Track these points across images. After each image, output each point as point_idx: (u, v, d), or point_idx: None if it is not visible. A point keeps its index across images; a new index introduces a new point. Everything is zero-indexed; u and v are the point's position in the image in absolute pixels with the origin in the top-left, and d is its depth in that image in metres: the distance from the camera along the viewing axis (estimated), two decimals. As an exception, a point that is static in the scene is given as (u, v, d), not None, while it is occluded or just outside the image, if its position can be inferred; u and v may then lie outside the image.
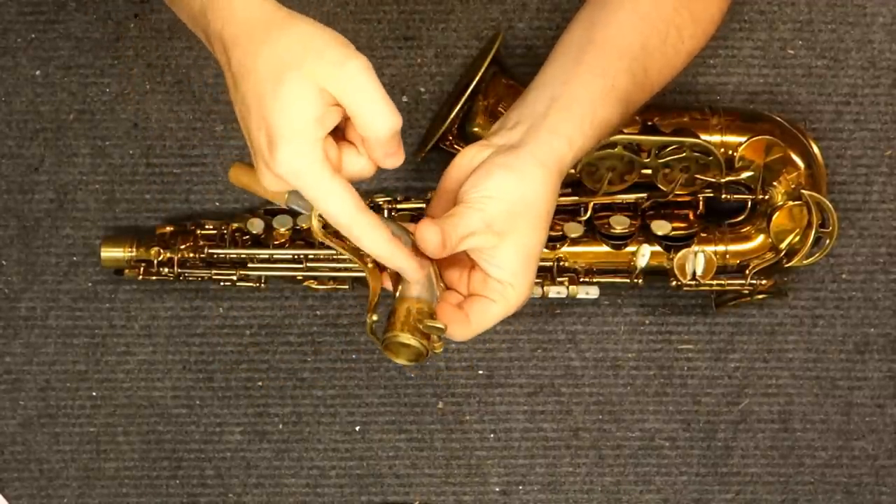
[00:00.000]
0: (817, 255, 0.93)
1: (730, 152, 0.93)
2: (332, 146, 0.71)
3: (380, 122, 0.70)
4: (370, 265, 0.78)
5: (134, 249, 0.96)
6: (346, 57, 0.69)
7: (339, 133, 0.73)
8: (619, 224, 0.93)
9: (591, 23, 0.85)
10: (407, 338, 0.75)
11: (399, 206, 0.95)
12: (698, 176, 0.92)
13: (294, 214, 0.96)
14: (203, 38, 0.76)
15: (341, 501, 1.01)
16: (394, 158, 0.73)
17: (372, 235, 0.72)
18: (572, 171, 0.87)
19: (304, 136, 0.69)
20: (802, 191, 0.92)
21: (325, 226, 0.76)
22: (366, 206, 0.72)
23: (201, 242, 0.96)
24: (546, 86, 0.82)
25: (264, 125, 0.70)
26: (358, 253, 0.78)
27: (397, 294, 0.77)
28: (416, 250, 0.76)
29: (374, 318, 0.76)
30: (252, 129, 0.71)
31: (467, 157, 0.80)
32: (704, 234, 0.94)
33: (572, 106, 0.80)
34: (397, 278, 0.77)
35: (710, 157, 0.92)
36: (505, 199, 0.76)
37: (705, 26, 0.88)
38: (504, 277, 0.77)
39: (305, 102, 0.69)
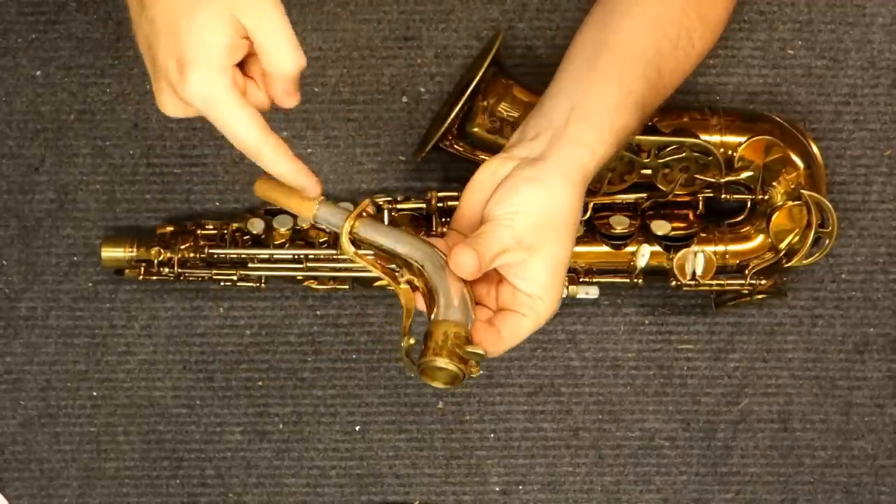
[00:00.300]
0: (817, 255, 0.93)
1: (729, 152, 0.93)
2: (239, 75, 0.73)
3: (286, 59, 0.72)
4: (403, 285, 0.77)
5: (134, 249, 0.96)
6: None
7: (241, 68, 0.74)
8: (619, 224, 0.93)
9: (602, 26, 0.85)
10: (445, 363, 0.73)
11: (399, 206, 0.96)
12: (698, 176, 0.92)
13: (295, 215, 0.96)
14: None
15: (341, 501, 1.01)
16: (291, 98, 0.75)
17: (277, 156, 0.73)
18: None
19: (216, 62, 0.70)
20: (802, 191, 0.92)
21: (355, 242, 0.76)
22: (270, 129, 0.73)
23: (201, 242, 0.96)
24: (563, 94, 0.82)
25: (175, 49, 0.70)
26: (391, 273, 0.77)
27: (432, 316, 0.75)
28: (450, 271, 0.75)
29: (412, 341, 0.75)
30: (160, 53, 0.72)
31: (489, 171, 0.79)
32: (704, 234, 0.94)
33: (591, 115, 0.80)
34: (431, 297, 0.76)
35: (710, 157, 0.92)
36: (533, 214, 0.76)
37: (713, 27, 0.88)
38: (534, 291, 0.76)
39: (220, 30, 0.70)
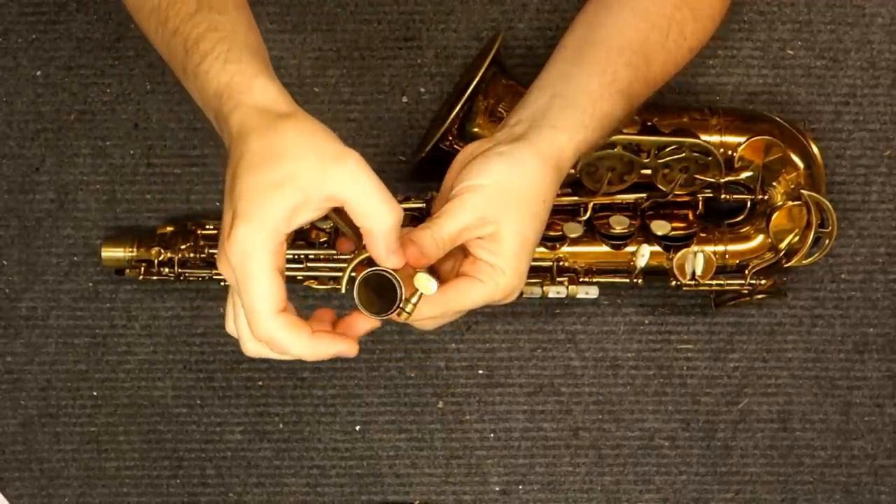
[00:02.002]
0: (816, 255, 0.93)
1: (729, 152, 0.93)
2: (284, 250, 0.70)
3: (381, 215, 0.70)
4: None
5: (134, 249, 0.97)
6: (345, 153, 0.70)
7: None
8: (619, 224, 0.93)
9: (591, 23, 0.86)
10: (392, 275, 0.71)
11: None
12: (698, 176, 0.92)
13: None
14: (212, 119, 0.76)
15: (341, 501, 1.01)
16: (396, 256, 0.72)
17: (290, 339, 0.70)
18: (572, 170, 0.88)
19: (267, 222, 0.69)
20: (802, 191, 0.92)
21: (337, 209, 0.75)
22: (287, 307, 0.71)
23: (202, 242, 0.96)
24: (547, 85, 0.83)
25: (236, 203, 0.70)
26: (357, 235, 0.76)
27: None
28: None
29: (363, 254, 0.73)
30: (226, 205, 0.71)
31: (468, 153, 0.80)
32: (704, 234, 0.94)
33: (572, 101, 0.81)
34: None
35: (710, 158, 0.92)
36: (497, 185, 0.76)
37: (706, 23, 0.88)
38: (496, 262, 0.76)
39: (282, 194, 0.69)
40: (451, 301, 0.76)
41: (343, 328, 0.76)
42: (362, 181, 0.70)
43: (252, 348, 0.74)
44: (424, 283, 0.73)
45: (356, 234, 0.75)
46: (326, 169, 0.69)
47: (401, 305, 0.73)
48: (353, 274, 0.74)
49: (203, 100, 0.76)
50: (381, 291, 0.73)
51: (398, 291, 0.72)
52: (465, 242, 0.77)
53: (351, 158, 0.70)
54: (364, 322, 0.76)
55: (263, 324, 0.70)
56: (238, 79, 0.73)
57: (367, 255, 0.74)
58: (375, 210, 0.70)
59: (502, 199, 0.76)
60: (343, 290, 0.75)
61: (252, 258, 0.68)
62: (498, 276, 0.77)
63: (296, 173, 0.69)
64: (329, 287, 0.97)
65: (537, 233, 0.78)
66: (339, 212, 0.74)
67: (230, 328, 0.75)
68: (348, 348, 0.73)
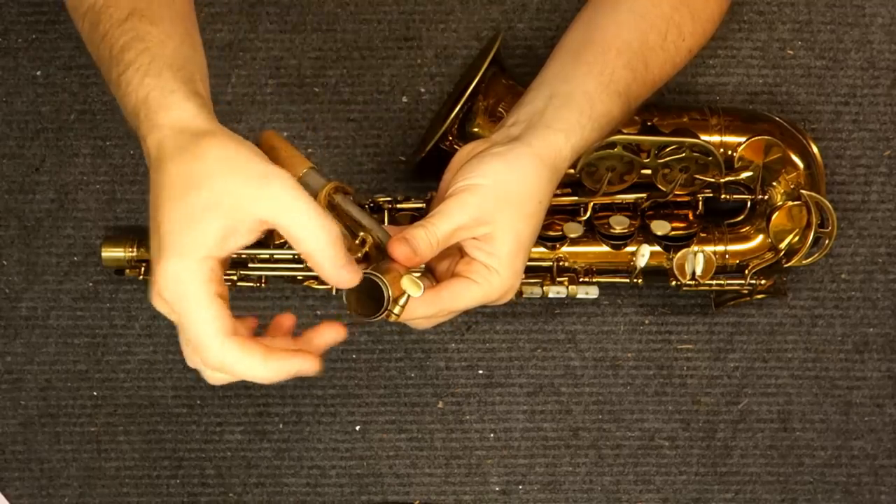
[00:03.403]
0: (816, 255, 0.93)
1: (729, 152, 0.93)
2: (220, 275, 0.67)
3: (315, 236, 0.67)
4: (357, 243, 0.76)
5: (135, 249, 0.97)
6: (271, 174, 0.67)
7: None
8: (619, 224, 0.93)
9: (589, 23, 0.86)
10: (379, 278, 0.70)
11: (399, 206, 0.96)
12: (698, 176, 0.92)
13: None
14: (134, 132, 0.73)
15: (341, 501, 1.01)
16: (345, 270, 0.69)
17: (242, 363, 0.67)
18: (571, 170, 0.88)
19: (196, 253, 0.66)
20: (802, 191, 0.92)
21: (331, 204, 0.75)
22: (236, 330, 0.67)
23: (202, 242, 0.96)
24: (545, 85, 0.83)
25: (161, 236, 0.67)
26: (349, 230, 0.76)
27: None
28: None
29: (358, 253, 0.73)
30: (151, 238, 0.68)
31: (464, 154, 0.80)
32: (704, 234, 0.94)
33: (569, 102, 0.81)
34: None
35: (710, 158, 0.92)
36: (493, 185, 0.76)
37: (705, 24, 0.88)
38: (491, 263, 0.76)
39: (208, 222, 0.66)
40: (444, 301, 0.76)
41: (303, 343, 0.72)
42: (291, 203, 0.66)
43: (214, 377, 0.69)
44: (410, 285, 0.73)
45: (350, 232, 0.75)
46: (252, 192, 0.66)
47: (388, 307, 0.72)
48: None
49: (125, 113, 0.72)
50: (370, 294, 0.72)
51: (385, 294, 0.71)
52: (460, 242, 0.77)
53: (277, 180, 0.66)
54: (328, 333, 0.73)
55: (212, 353, 0.66)
56: (154, 94, 0.69)
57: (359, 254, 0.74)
58: (308, 232, 0.67)
59: (498, 199, 0.76)
60: (334, 293, 0.75)
61: (186, 294, 0.66)
62: (492, 277, 0.76)
63: (220, 199, 0.66)
64: (329, 287, 0.97)
65: (533, 233, 0.78)
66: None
67: (190, 363, 0.70)
68: (309, 366, 0.69)
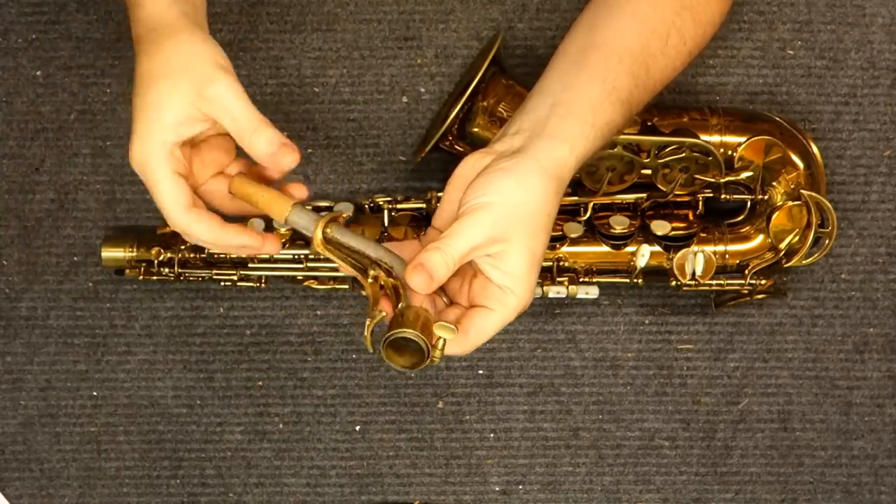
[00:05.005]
0: (816, 255, 0.93)
1: (729, 152, 0.93)
2: (179, 155, 0.78)
3: (252, 138, 0.78)
4: (370, 281, 0.78)
5: (134, 249, 0.97)
6: (215, 77, 0.77)
7: None
8: (619, 224, 0.93)
9: (591, 27, 0.85)
10: (414, 335, 0.73)
11: (399, 206, 0.96)
12: (698, 176, 0.92)
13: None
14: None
15: (341, 501, 1.01)
16: (285, 152, 0.79)
17: (199, 228, 0.79)
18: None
19: (154, 138, 0.77)
20: (802, 191, 0.92)
21: (328, 239, 0.77)
22: (197, 203, 0.79)
23: (202, 242, 0.96)
24: (547, 92, 0.82)
25: (132, 121, 0.78)
26: (360, 268, 0.78)
27: (400, 303, 0.76)
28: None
29: (382, 313, 0.76)
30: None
31: (468, 166, 0.80)
32: (704, 234, 0.94)
33: (573, 110, 0.80)
34: (396, 297, 0.77)
35: (710, 158, 0.92)
36: (506, 204, 0.76)
37: (706, 27, 0.88)
38: (506, 283, 0.76)
39: (161, 114, 0.77)
40: (471, 339, 0.77)
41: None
42: (231, 103, 0.77)
43: (186, 237, 0.81)
44: (443, 331, 0.75)
45: (358, 267, 0.78)
46: (198, 92, 0.76)
47: (430, 356, 0.74)
48: (379, 316, 0.76)
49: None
50: (407, 346, 0.74)
51: (424, 347, 0.74)
52: (473, 260, 0.77)
53: (223, 82, 0.77)
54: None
55: (176, 218, 0.78)
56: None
57: (381, 316, 0.76)
58: (239, 125, 0.77)
59: (511, 217, 0.76)
60: (371, 351, 0.78)
61: (149, 168, 0.77)
62: (508, 299, 0.77)
63: (171, 97, 0.77)
64: (329, 287, 0.97)
65: (544, 246, 0.78)
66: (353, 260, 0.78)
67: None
68: (254, 242, 0.80)
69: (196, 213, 0.78)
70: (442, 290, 0.79)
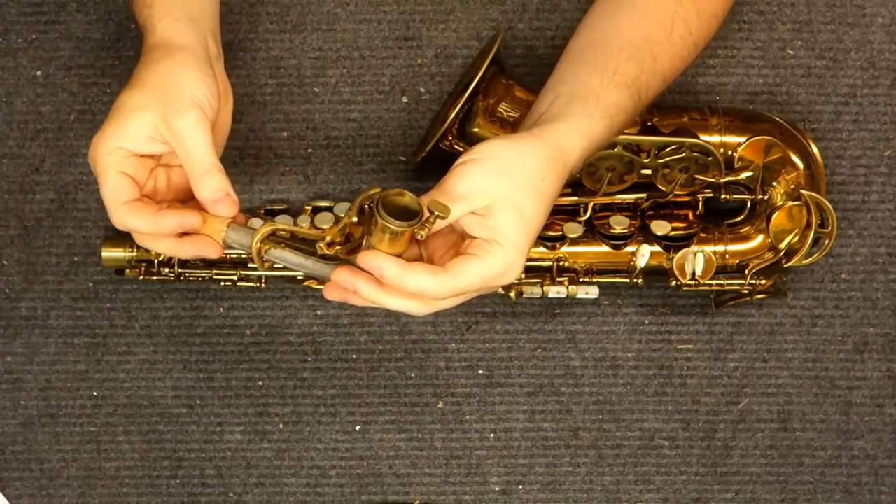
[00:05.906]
0: (816, 255, 0.93)
1: (729, 152, 0.93)
2: (133, 162, 0.80)
3: (200, 178, 0.79)
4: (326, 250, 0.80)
5: (134, 249, 0.97)
6: (185, 110, 0.78)
7: None
8: (619, 224, 0.93)
9: (592, 28, 0.87)
10: (410, 198, 0.76)
11: (399, 206, 0.96)
12: (698, 176, 0.92)
13: (295, 215, 0.97)
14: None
15: (341, 501, 1.01)
16: (226, 203, 0.80)
17: (136, 221, 0.79)
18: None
19: (113, 138, 0.78)
20: (802, 191, 0.92)
21: (261, 254, 0.79)
22: (135, 197, 0.80)
23: (202, 242, 0.96)
24: (548, 91, 0.84)
25: (110, 112, 0.80)
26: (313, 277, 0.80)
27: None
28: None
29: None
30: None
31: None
32: (704, 234, 0.94)
33: (573, 98, 0.81)
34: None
35: (710, 158, 0.92)
36: (491, 159, 0.77)
37: (710, 19, 0.88)
38: (491, 236, 0.76)
39: (131, 120, 0.78)
40: (449, 282, 0.76)
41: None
42: (189, 140, 0.78)
43: (127, 228, 0.82)
44: (439, 203, 0.76)
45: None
46: (165, 119, 0.78)
47: (422, 221, 0.75)
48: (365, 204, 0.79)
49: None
50: (400, 213, 0.76)
51: (419, 208, 0.75)
52: (461, 223, 0.77)
53: (188, 116, 0.78)
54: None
55: (111, 211, 0.79)
56: (147, 15, 0.84)
57: (376, 190, 0.78)
58: (190, 160, 0.79)
59: (496, 171, 0.77)
60: (356, 219, 0.80)
61: (100, 164, 0.79)
62: (494, 249, 0.76)
63: (141, 112, 0.78)
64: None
65: (536, 209, 0.78)
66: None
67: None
68: (190, 221, 0.79)
69: (131, 206, 0.79)
70: (430, 262, 0.79)
